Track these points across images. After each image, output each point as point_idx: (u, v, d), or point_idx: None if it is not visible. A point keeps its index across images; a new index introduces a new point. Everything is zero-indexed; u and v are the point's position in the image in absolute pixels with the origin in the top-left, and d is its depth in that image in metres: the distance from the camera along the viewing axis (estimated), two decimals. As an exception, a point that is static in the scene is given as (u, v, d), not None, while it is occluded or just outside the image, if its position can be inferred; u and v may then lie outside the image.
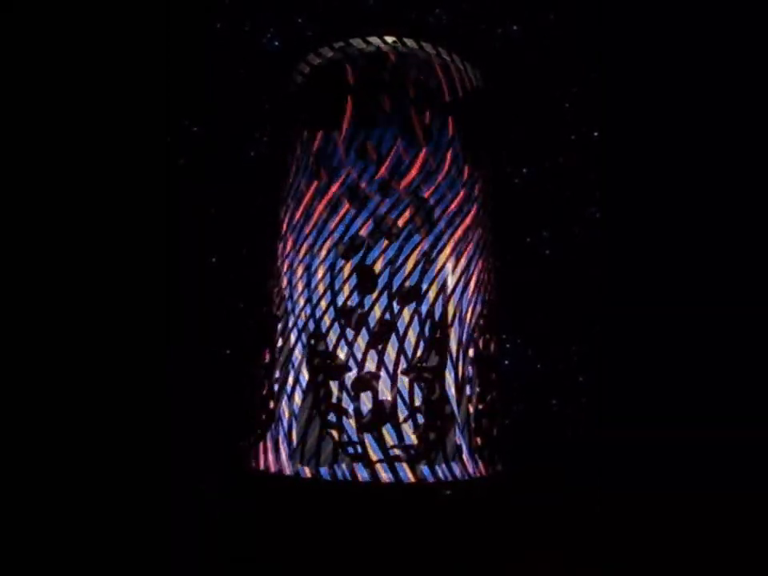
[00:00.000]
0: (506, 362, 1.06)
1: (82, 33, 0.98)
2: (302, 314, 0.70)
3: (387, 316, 0.68)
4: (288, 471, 0.67)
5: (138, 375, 0.98)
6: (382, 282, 0.68)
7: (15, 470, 0.87)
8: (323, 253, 0.70)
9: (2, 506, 0.80)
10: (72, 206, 0.97)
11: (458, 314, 0.71)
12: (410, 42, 0.74)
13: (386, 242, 0.70)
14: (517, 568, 0.75)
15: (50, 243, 0.96)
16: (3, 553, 0.70)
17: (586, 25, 1.02)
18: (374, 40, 0.73)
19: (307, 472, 0.66)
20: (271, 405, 0.71)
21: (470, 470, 0.70)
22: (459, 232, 0.74)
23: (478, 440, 0.72)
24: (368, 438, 0.66)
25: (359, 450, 0.66)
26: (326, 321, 0.69)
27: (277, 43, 1.00)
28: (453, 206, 0.73)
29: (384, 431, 0.66)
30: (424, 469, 0.67)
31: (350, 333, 0.68)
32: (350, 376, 0.68)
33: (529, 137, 1.09)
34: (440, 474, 0.67)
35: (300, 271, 0.71)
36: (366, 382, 0.67)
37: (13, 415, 0.90)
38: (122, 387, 0.96)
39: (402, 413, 0.67)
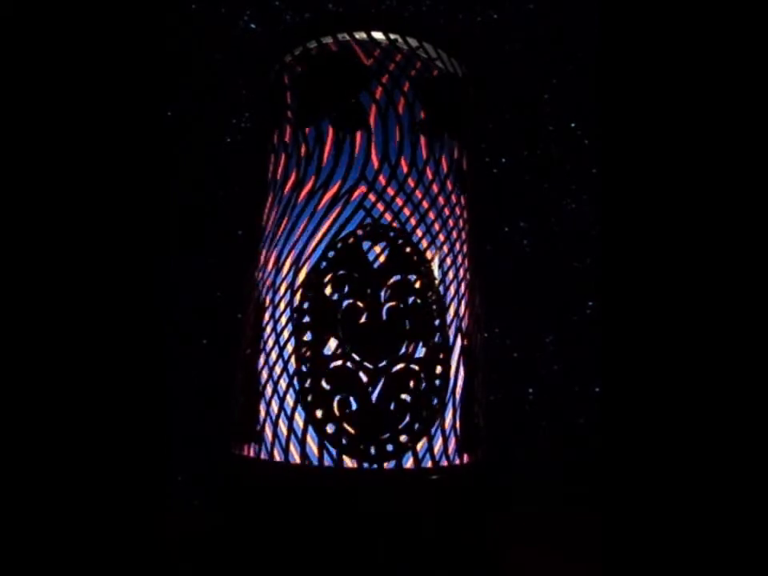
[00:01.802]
0: (497, 358, 1.07)
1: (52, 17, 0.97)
2: (290, 304, 0.69)
3: (374, 308, 0.67)
4: (275, 458, 0.67)
5: (133, 372, 0.98)
6: (370, 274, 0.68)
7: (10, 469, 0.87)
8: (311, 246, 0.70)
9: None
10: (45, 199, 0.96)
11: (445, 306, 0.71)
12: (395, 36, 0.74)
13: (375, 235, 0.69)
14: (517, 568, 0.74)
15: (27, 236, 0.95)
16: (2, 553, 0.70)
17: (577, 13, 1.04)
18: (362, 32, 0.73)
19: (295, 458, 0.65)
20: (262, 393, 0.70)
21: (457, 459, 0.70)
22: (447, 224, 0.73)
23: (466, 430, 0.71)
24: (353, 428, 0.65)
25: (345, 440, 0.65)
26: (314, 312, 0.68)
27: (253, 25, 1.00)
28: (440, 197, 0.73)
29: (369, 421, 0.65)
30: (409, 458, 0.66)
31: (336, 324, 0.67)
32: (336, 367, 0.67)
33: (520, 129, 1.10)
34: (426, 464, 0.66)
35: (287, 263, 0.71)
36: (352, 374, 0.66)
37: (8, 413, 0.90)
38: (117, 384, 0.96)
39: (388, 404, 0.66)
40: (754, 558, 0.65)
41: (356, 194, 0.70)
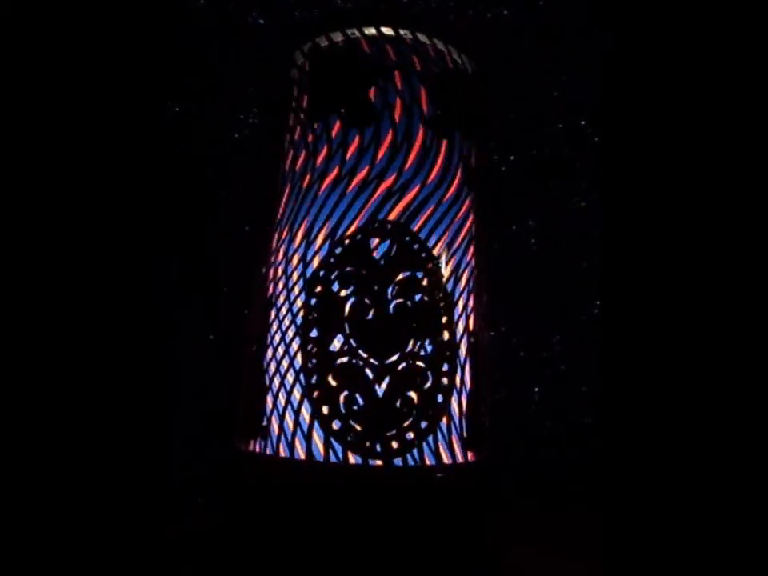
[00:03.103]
0: (503, 357, 1.07)
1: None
2: (297, 300, 0.69)
3: (381, 305, 0.67)
4: (280, 454, 0.67)
5: (133, 372, 0.97)
6: (377, 271, 0.68)
7: (10, 469, 0.86)
8: (318, 241, 0.69)
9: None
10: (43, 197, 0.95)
11: (452, 303, 0.71)
12: (405, 32, 0.74)
13: (383, 231, 0.69)
14: (517, 568, 0.74)
15: (27, 235, 0.94)
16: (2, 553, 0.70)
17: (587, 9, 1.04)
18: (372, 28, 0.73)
19: (301, 455, 0.65)
20: (268, 389, 0.70)
21: (462, 456, 0.69)
22: (454, 220, 0.73)
23: (472, 429, 0.71)
24: (358, 425, 0.65)
25: (350, 436, 0.65)
26: (321, 308, 0.68)
27: (262, 21, 1.00)
28: (448, 194, 0.73)
29: (375, 418, 0.65)
30: (415, 455, 0.66)
31: (343, 321, 0.67)
32: (343, 363, 0.67)
33: (528, 127, 1.10)
34: (431, 461, 0.66)
35: (295, 259, 0.71)
36: (359, 370, 0.66)
37: (9, 413, 0.89)
38: (118, 384, 0.96)
39: (394, 401, 0.66)
40: (753, 557, 0.66)
41: (365, 189, 0.70)
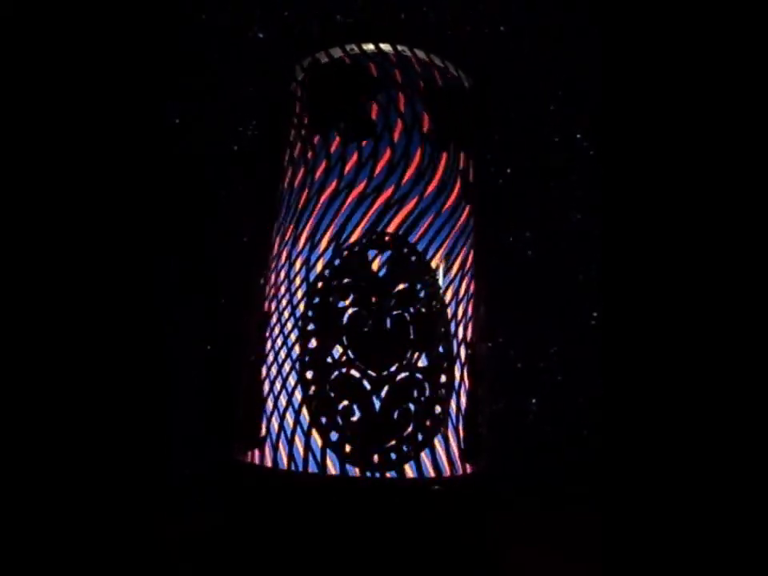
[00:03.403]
0: (501, 368, 1.07)
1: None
2: (295, 311, 0.69)
3: (379, 316, 0.67)
4: (278, 465, 0.67)
5: (133, 372, 0.97)
6: (375, 282, 0.68)
7: (10, 468, 0.87)
8: (317, 252, 0.70)
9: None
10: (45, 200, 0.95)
11: (449, 315, 0.71)
12: (402, 47, 0.74)
13: (380, 243, 0.69)
14: (517, 568, 0.75)
15: (27, 235, 0.94)
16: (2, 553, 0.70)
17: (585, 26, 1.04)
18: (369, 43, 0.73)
19: (298, 466, 0.66)
20: (265, 400, 0.70)
21: (459, 468, 0.70)
22: (452, 232, 0.73)
23: (469, 440, 0.71)
24: (356, 436, 0.65)
25: (348, 448, 0.65)
26: (319, 319, 0.68)
27: (261, 35, 1.00)
28: (447, 205, 0.73)
29: (372, 429, 0.65)
30: (412, 467, 0.66)
31: (341, 332, 0.67)
32: (341, 375, 0.67)
33: (525, 139, 1.10)
34: (428, 473, 0.67)
35: (295, 268, 0.71)
36: (356, 382, 0.66)
37: (8, 412, 0.90)
38: (118, 384, 0.96)
39: (392, 413, 0.66)
40: (753, 557, 0.66)
41: (364, 201, 0.70)
